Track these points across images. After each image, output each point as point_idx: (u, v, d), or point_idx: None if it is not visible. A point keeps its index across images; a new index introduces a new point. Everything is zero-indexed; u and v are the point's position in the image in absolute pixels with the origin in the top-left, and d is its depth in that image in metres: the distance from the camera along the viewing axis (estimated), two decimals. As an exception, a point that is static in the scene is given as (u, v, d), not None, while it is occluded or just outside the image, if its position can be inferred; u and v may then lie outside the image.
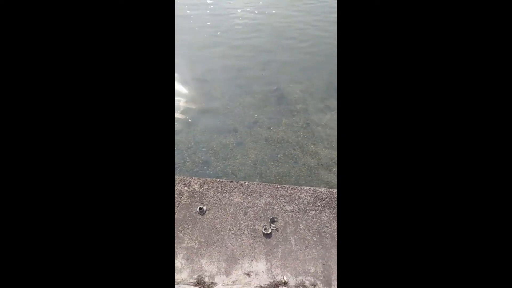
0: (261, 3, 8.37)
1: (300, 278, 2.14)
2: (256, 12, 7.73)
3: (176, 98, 4.54)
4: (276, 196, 2.64)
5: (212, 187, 2.68)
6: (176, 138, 3.88)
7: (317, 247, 2.31)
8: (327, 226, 2.44)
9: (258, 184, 2.73)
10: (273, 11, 7.85)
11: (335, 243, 2.33)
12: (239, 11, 7.76)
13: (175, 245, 2.27)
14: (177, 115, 4.25)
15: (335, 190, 2.73)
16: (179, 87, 4.81)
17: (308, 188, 2.73)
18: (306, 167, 3.66)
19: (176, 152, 3.70)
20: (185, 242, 2.29)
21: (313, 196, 2.65)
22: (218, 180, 2.76)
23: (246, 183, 2.73)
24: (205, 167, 3.57)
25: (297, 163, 3.72)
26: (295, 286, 2.11)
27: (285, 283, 2.11)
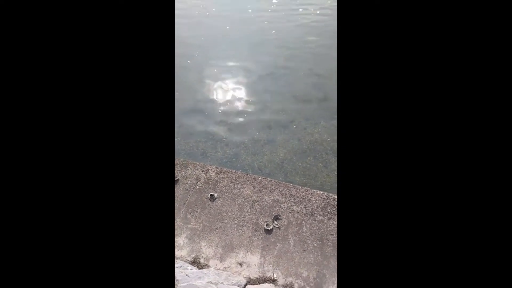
0: (329, 1, 8.16)
1: (290, 279, 2.10)
2: (318, 12, 7.57)
3: (221, 94, 4.82)
4: (286, 195, 2.62)
5: (227, 177, 2.80)
6: (212, 130, 4.14)
7: (316, 253, 2.22)
8: (331, 234, 2.32)
9: (271, 180, 2.75)
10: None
11: (336, 253, 2.20)
12: (300, 9, 7.72)
13: (182, 224, 2.47)
14: (217, 108, 4.51)
15: (350, 199, 2.56)
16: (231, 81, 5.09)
17: (321, 192, 2.63)
18: (336, 173, 3.49)
19: (210, 142, 3.95)
20: (191, 223, 2.47)
21: (324, 201, 2.54)
22: (233, 171, 2.87)
23: (260, 178, 2.77)
24: (234, 159, 3.72)
25: (327, 168, 3.58)
26: (283, 285, 2.08)
27: (274, 281, 2.10)
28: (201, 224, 2.46)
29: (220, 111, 4.46)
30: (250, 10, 7.88)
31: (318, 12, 7.63)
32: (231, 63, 5.60)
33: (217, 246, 2.32)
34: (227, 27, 6.91)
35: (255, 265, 2.20)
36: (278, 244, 2.30)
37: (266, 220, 2.45)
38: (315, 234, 2.33)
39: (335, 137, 3.92)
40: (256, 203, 2.57)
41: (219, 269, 2.19)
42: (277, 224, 2.41)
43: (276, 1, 8.45)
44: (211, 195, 2.64)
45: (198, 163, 2.98)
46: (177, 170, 2.88)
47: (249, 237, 2.36)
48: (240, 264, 2.21)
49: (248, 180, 2.76)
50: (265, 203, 2.57)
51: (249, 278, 2.13)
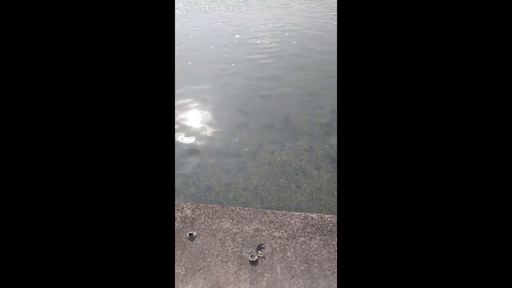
0: (287, 34, 8.72)
1: (282, 309, 2.07)
2: (274, 44, 8.07)
3: (184, 123, 4.80)
4: (265, 222, 2.62)
5: (204, 212, 2.74)
6: (182, 163, 4.06)
7: (304, 277, 2.23)
8: (315, 254, 2.36)
9: (249, 210, 2.75)
10: (294, 42, 8.15)
11: (324, 273, 2.23)
12: (258, 41, 8.16)
13: (162, 270, 2.32)
14: (183, 140, 4.46)
15: (327, 216, 2.64)
16: (188, 113, 5.09)
17: (299, 213, 2.68)
18: (308, 191, 3.59)
19: (181, 177, 3.85)
20: (172, 268, 2.34)
21: (303, 222, 2.60)
22: (210, 205, 2.82)
23: (237, 209, 2.76)
24: (207, 193, 3.66)
25: (299, 188, 3.68)
26: (277, 318, 2.03)
27: (267, 314, 2.05)
28: (183, 267, 2.34)
29: (180, 143, 4.42)
30: (212, 46, 8.13)
31: (273, 44, 8.14)
32: (192, 96, 5.65)
33: (203, 288, 2.21)
34: (189, 63, 7.02)
35: (245, 301, 2.13)
36: (265, 274, 2.26)
37: (250, 251, 2.41)
38: (300, 257, 2.35)
39: (302, 157, 4.08)
40: (237, 235, 2.54)
41: (208, 313, 2.08)
42: (261, 254, 2.39)
43: (238, 36, 8.85)
44: (190, 234, 2.55)
45: (172, 203, 2.88)
46: (150, 213, 2.74)
47: (235, 272, 2.29)
48: (230, 303, 2.12)
49: (226, 213, 2.72)
50: (246, 233, 2.55)
51: (241, 316, 2.05)
